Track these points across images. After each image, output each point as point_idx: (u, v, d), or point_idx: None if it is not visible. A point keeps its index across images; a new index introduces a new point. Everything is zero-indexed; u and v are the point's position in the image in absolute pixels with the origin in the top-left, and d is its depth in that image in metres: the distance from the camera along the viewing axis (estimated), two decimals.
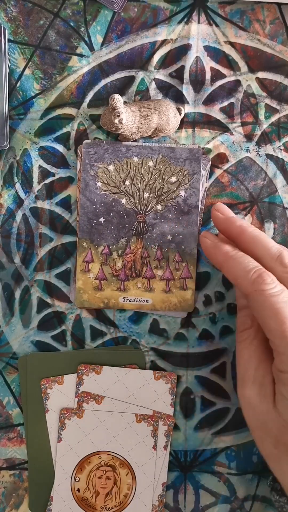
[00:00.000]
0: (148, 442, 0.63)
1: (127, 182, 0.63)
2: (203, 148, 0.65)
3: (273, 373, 0.54)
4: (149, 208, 0.63)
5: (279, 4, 0.65)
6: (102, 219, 0.64)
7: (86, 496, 0.63)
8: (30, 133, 0.65)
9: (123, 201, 0.63)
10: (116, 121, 0.60)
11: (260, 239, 0.56)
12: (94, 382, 0.64)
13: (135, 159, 0.63)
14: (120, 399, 0.64)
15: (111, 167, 0.63)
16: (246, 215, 0.65)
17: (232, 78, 0.65)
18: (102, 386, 0.64)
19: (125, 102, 0.64)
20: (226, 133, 0.65)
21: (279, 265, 0.54)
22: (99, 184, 0.63)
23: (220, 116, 0.65)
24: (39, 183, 0.65)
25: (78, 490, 0.63)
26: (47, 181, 0.65)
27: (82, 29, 0.64)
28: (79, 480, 0.63)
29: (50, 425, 0.64)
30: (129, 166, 0.63)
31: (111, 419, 0.64)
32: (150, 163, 0.63)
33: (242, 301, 0.61)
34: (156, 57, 0.64)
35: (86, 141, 0.64)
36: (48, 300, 0.66)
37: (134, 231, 0.64)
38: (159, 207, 0.64)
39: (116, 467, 0.64)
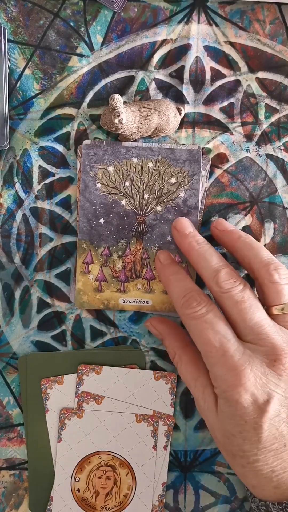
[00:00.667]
0: (148, 442, 0.63)
1: (127, 183, 0.63)
2: (203, 148, 0.65)
3: None
4: (148, 209, 0.63)
5: (279, 4, 0.65)
6: (102, 221, 0.64)
7: (86, 496, 0.63)
8: (30, 133, 0.65)
9: (123, 202, 0.63)
10: (116, 121, 0.60)
11: (203, 257, 0.58)
12: (94, 382, 0.64)
13: (135, 160, 0.63)
14: (120, 399, 0.64)
15: (110, 168, 0.63)
16: (246, 215, 0.65)
17: (232, 78, 0.65)
18: (102, 386, 0.64)
19: (125, 102, 0.64)
20: (226, 133, 0.65)
21: (215, 285, 0.56)
22: (98, 185, 0.63)
23: (220, 116, 0.65)
24: (39, 183, 0.65)
25: (78, 490, 0.63)
26: (47, 181, 0.65)
27: (82, 29, 0.64)
28: (79, 480, 0.64)
29: (50, 425, 0.64)
30: (128, 167, 0.63)
31: (111, 419, 0.64)
32: (150, 164, 0.63)
33: (159, 336, 0.64)
34: (156, 57, 0.64)
35: (85, 142, 0.64)
36: (48, 300, 0.66)
37: (134, 232, 0.64)
38: (158, 208, 0.63)
39: (116, 467, 0.64)
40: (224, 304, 0.56)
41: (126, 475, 0.64)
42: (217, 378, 0.53)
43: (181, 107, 0.64)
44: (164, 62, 0.65)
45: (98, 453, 0.64)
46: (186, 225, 0.61)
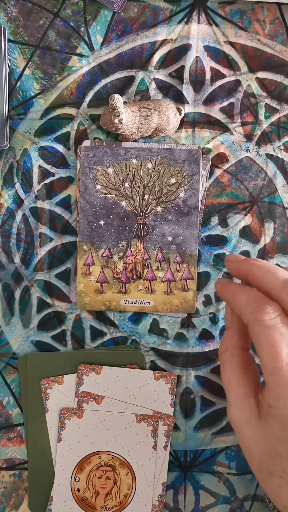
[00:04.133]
0: (148, 442, 0.63)
1: (127, 185, 0.63)
2: (203, 148, 0.65)
3: (262, 401, 0.52)
4: (149, 210, 0.63)
5: (279, 4, 0.65)
6: (102, 222, 0.64)
7: (86, 496, 0.64)
8: (30, 133, 0.65)
9: (123, 203, 0.64)
10: (116, 121, 0.60)
11: (267, 271, 0.53)
12: (94, 382, 0.64)
13: (134, 161, 0.63)
14: (120, 399, 0.64)
15: (110, 170, 0.63)
16: (246, 215, 0.65)
17: (232, 78, 0.65)
18: (102, 386, 0.64)
19: (125, 102, 0.64)
20: (226, 133, 0.65)
21: (286, 295, 0.50)
22: (98, 187, 0.63)
23: (220, 116, 0.65)
24: (39, 183, 0.65)
25: (78, 490, 0.63)
26: (47, 181, 0.65)
27: (82, 29, 0.64)
28: (79, 480, 0.64)
29: (50, 425, 0.64)
30: (128, 168, 0.63)
31: (111, 419, 0.64)
32: (149, 165, 0.63)
33: (227, 323, 0.58)
34: (156, 57, 0.64)
35: (85, 144, 0.64)
36: (48, 300, 0.66)
37: (134, 233, 0.64)
38: (159, 208, 0.64)
39: (116, 467, 0.64)
40: None
41: (126, 475, 0.64)
42: (279, 399, 0.48)
43: (181, 107, 0.64)
44: (164, 62, 0.65)
45: (98, 453, 0.64)
46: (239, 255, 0.57)
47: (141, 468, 0.63)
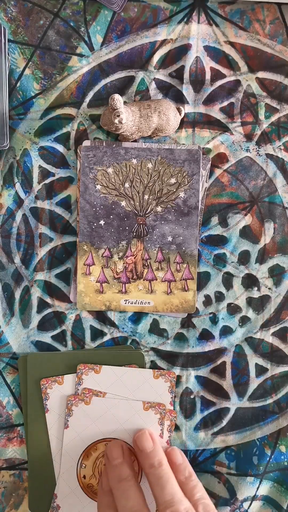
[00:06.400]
0: (155, 430, 0.63)
1: (127, 185, 0.63)
2: (203, 148, 0.65)
3: None
4: (149, 210, 0.64)
5: (279, 4, 0.65)
6: (102, 222, 0.64)
7: (91, 483, 0.63)
8: (30, 133, 0.65)
9: (123, 203, 0.64)
10: (116, 121, 0.60)
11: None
12: (94, 382, 0.64)
13: (134, 161, 0.63)
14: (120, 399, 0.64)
15: (110, 170, 0.63)
16: (246, 215, 0.65)
17: (232, 78, 0.65)
18: (101, 386, 0.64)
19: (125, 102, 0.64)
20: (226, 133, 0.65)
21: None
22: (98, 187, 0.63)
23: (220, 116, 0.65)
24: (39, 183, 0.65)
25: (84, 477, 0.63)
26: (47, 181, 0.65)
27: (82, 29, 0.64)
28: (85, 467, 0.63)
29: (50, 425, 0.64)
30: (128, 169, 0.63)
31: (119, 407, 0.63)
32: (149, 165, 0.63)
33: None
34: (156, 57, 0.64)
35: (85, 144, 0.64)
36: (48, 300, 0.66)
37: (134, 233, 0.64)
38: (159, 208, 0.64)
39: None
40: None
41: (132, 463, 0.63)
42: None
43: (181, 107, 0.64)
44: (164, 62, 0.65)
45: (105, 440, 0.63)
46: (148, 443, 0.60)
47: None
